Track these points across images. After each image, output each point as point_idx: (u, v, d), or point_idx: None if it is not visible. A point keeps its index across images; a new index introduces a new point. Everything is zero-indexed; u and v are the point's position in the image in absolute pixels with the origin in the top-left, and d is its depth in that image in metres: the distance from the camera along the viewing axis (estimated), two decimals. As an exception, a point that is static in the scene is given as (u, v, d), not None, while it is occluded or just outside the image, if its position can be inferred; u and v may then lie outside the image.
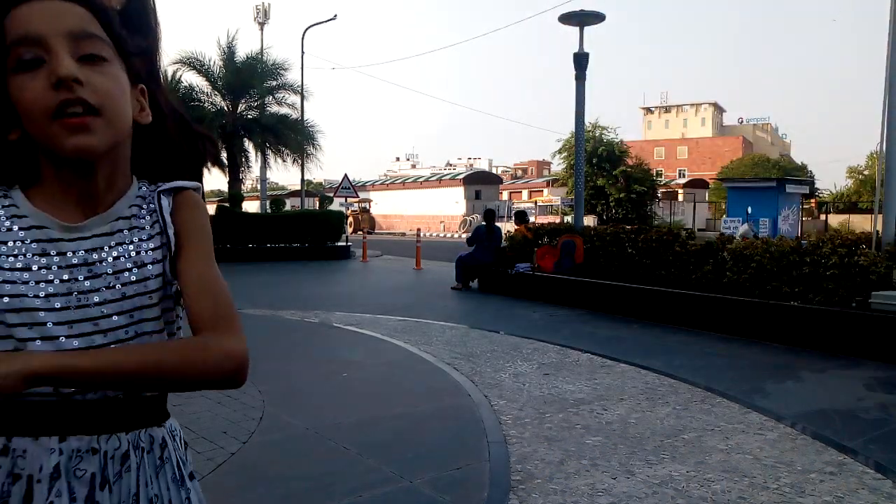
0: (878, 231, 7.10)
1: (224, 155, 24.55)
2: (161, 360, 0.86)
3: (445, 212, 44.18)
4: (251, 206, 27.93)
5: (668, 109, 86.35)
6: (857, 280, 6.67)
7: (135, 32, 0.96)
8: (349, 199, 25.30)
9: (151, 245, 0.96)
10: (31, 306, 0.87)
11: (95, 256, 0.92)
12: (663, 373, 5.50)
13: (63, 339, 0.87)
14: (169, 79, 27.75)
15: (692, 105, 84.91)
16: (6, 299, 0.86)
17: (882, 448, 3.84)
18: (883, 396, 4.98)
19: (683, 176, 60.74)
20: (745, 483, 3.26)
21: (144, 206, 0.98)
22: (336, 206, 23.60)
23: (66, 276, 0.90)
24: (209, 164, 0.95)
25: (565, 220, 24.80)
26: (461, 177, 47.18)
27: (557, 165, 37.08)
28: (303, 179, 26.30)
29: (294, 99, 24.13)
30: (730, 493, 3.14)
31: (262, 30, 28.57)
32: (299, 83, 24.28)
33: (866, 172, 41.51)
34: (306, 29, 26.72)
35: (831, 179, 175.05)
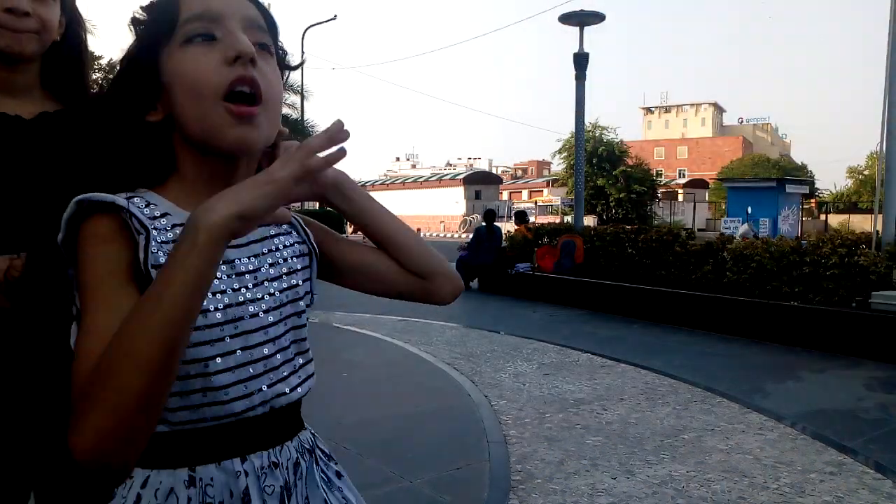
0: (878, 231, 7.11)
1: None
2: (420, 239, 0.99)
3: (445, 212, 44.18)
4: (251, 206, 27.85)
5: (668, 109, 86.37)
6: (857, 280, 6.67)
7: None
8: (349, 199, 25.25)
9: (297, 251, 0.95)
10: (212, 322, 0.81)
11: (257, 263, 0.89)
12: (663, 373, 5.50)
13: (239, 353, 0.82)
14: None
15: (692, 105, 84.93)
16: None
17: (882, 448, 3.84)
18: (883, 396, 4.98)
19: (683, 176, 60.76)
20: (745, 483, 3.26)
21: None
22: (336, 206, 23.56)
23: (235, 286, 0.85)
24: None
25: (565, 220, 24.81)
26: (461, 177, 47.19)
27: (557, 165, 37.07)
28: (303, 179, 26.29)
29: (294, 99, 24.14)
30: (730, 493, 3.14)
31: (262, 30, 28.53)
32: (299, 83, 24.28)
33: (866, 172, 41.51)
34: (306, 29, 26.72)
35: (831, 179, 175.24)
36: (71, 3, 1.41)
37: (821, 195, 45.71)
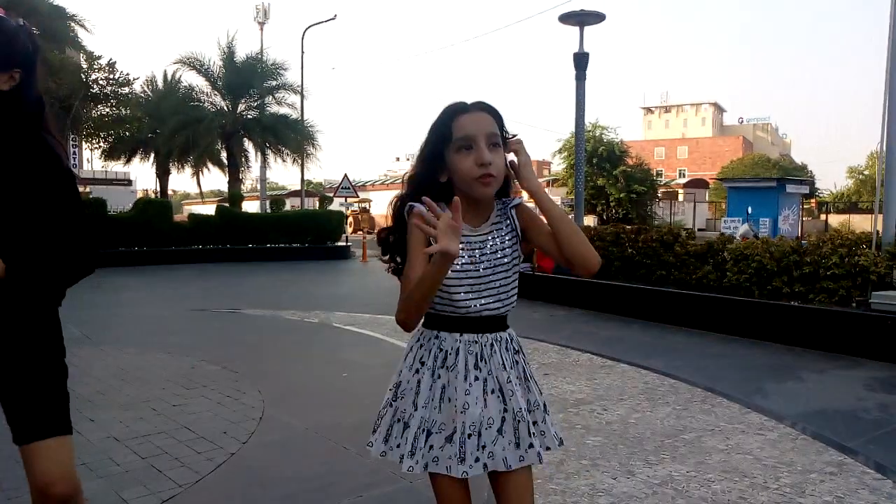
0: (878, 231, 7.10)
1: (224, 155, 24.61)
2: (572, 233, 1.69)
3: (445, 212, 44.09)
4: (251, 206, 27.93)
5: (668, 109, 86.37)
6: (857, 280, 6.67)
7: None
8: (349, 199, 25.29)
9: (506, 232, 1.74)
10: (455, 270, 1.64)
11: (482, 243, 1.70)
12: (663, 373, 5.50)
13: (467, 286, 1.67)
14: (169, 79, 27.83)
15: (692, 105, 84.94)
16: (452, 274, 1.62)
17: (882, 448, 3.84)
18: (883, 396, 4.98)
19: (683, 176, 60.75)
20: (745, 483, 3.25)
21: (501, 215, 1.75)
22: (336, 206, 23.60)
23: (468, 255, 1.67)
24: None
25: (565, 220, 24.73)
26: (461, 177, 47.08)
27: (557, 165, 37.07)
28: (303, 179, 26.32)
29: (294, 99, 24.18)
30: (730, 493, 3.14)
31: (261, 30, 28.61)
32: (299, 83, 24.31)
33: (866, 172, 41.55)
34: (306, 29, 26.75)
35: (831, 179, 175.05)
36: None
37: (821, 195, 45.73)
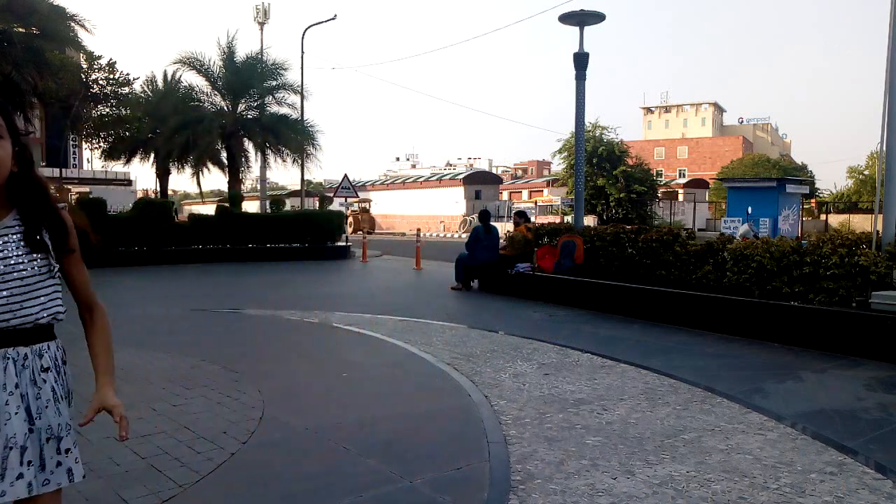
0: (878, 231, 7.10)
1: (224, 155, 24.59)
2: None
3: (445, 212, 44.18)
4: (251, 206, 27.91)
5: (668, 109, 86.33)
6: (858, 280, 6.67)
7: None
8: (349, 199, 25.29)
9: (22, 245, 1.61)
10: None
11: None
12: (663, 373, 5.50)
13: None
14: (169, 79, 27.83)
15: (692, 105, 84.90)
16: None
17: (882, 448, 3.84)
18: (883, 396, 4.98)
19: (683, 176, 60.75)
20: (745, 483, 3.25)
21: (20, 220, 1.63)
22: (336, 206, 23.61)
23: None
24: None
25: (565, 220, 24.81)
26: (461, 177, 47.18)
27: (557, 165, 37.08)
28: (303, 179, 26.30)
29: (294, 99, 24.15)
30: (730, 493, 3.14)
31: (261, 30, 28.58)
32: (299, 83, 24.28)
33: (866, 172, 41.49)
34: (306, 29, 26.73)
35: (831, 179, 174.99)
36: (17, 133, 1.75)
37: (821, 195, 45.71)
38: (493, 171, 74.39)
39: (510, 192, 51.78)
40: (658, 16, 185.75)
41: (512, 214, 17.34)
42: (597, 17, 11.34)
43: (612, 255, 9.62)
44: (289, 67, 24.16)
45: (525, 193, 51.18)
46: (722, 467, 3.45)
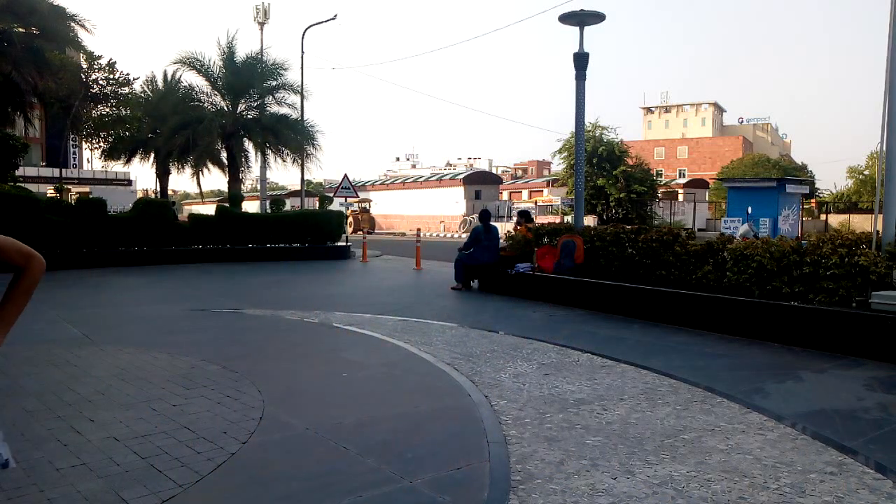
0: (878, 231, 7.10)
1: (224, 155, 24.61)
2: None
3: (445, 212, 44.18)
4: (251, 206, 27.94)
5: (668, 109, 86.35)
6: (857, 280, 6.67)
7: None
8: (349, 199, 25.27)
9: None
10: None
11: None
12: (663, 373, 5.50)
13: None
14: (169, 79, 27.84)
15: (692, 105, 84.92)
16: None
17: (882, 448, 3.83)
18: (883, 396, 4.97)
19: (683, 176, 60.75)
20: (745, 483, 3.25)
21: None
22: (336, 206, 23.57)
23: None
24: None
25: (565, 220, 24.79)
26: (461, 177, 47.17)
27: (557, 165, 37.04)
28: (303, 179, 26.29)
29: (294, 99, 24.16)
30: (730, 493, 3.14)
31: (262, 30, 28.56)
32: (299, 83, 24.27)
33: (866, 172, 41.50)
34: (306, 29, 26.73)
35: (831, 179, 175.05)
36: None
37: (821, 195, 45.73)
38: (493, 171, 74.42)
39: (510, 192, 51.79)
40: (658, 16, 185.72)
41: (514, 214, 17.32)
42: (597, 17, 11.34)
43: (612, 255, 9.62)
44: (289, 67, 24.18)
45: (525, 193, 51.19)
46: (722, 467, 3.45)
